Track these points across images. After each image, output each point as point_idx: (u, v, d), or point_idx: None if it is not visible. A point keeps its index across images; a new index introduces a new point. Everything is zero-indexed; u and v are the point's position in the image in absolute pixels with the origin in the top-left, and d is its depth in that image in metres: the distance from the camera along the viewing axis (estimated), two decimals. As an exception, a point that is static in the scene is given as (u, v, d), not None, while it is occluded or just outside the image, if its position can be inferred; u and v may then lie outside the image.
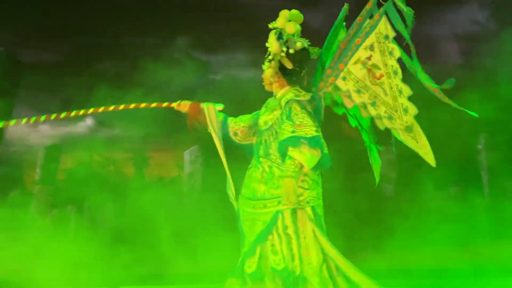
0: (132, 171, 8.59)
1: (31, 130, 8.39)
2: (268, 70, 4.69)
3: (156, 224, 7.80)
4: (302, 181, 4.54)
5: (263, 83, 4.76)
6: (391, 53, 4.68)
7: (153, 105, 4.77)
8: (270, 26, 4.71)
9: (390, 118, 4.68)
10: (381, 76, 4.65)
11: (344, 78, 4.67)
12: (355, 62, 4.68)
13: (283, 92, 4.67)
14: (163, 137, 8.09)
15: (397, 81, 4.66)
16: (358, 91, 4.68)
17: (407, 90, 4.66)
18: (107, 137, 8.42)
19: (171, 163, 8.79)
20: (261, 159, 4.64)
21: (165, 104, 4.77)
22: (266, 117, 4.71)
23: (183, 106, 4.73)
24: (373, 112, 4.68)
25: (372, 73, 4.69)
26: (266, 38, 4.70)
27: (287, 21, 4.69)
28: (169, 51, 8.85)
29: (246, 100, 7.44)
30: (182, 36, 8.89)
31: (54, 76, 8.14)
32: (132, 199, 8.00)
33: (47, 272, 6.89)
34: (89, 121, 8.53)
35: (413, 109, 4.68)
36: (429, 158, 4.72)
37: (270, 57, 4.69)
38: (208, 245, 7.75)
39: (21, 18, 8.27)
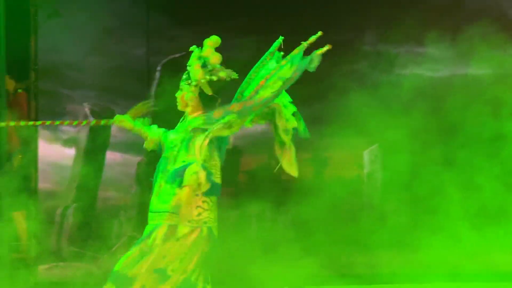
0: (311, 171, 8.57)
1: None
2: (188, 94, 4.74)
3: (333, 223, 7.80)
4: (203, 201, 4.55)
5: (177, 103, 4.78)
6: None
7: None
8: (196, 53, 4.76)
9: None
10: None
11: None
12: None
13: (195, 116, 4.74)
14: (342, 137, 7.99)
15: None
16: None
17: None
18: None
19: (350, 163, 8.70)
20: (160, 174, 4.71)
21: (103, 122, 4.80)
22: (173, 136, 4.77)
23: (123, 123, 4.79)
24: None
25: None
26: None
27: (213, 51, 4.75)
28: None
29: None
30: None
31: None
32: (311, 198, 8.02)
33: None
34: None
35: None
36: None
37: (193, 83, 4.73)
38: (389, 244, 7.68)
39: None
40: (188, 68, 4.85)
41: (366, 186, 8.59)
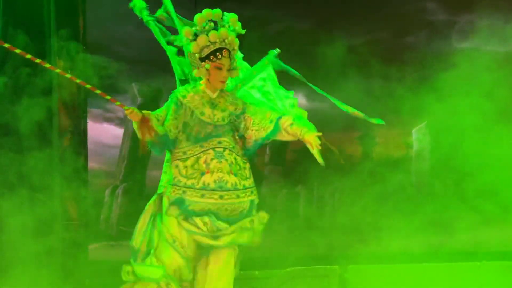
0: (360, 150, 8.51)
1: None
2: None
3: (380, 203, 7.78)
4: None
5: (221, 82, 4.85)
6: None
7: (108, 97, 4.79)
8: (232, 28, 4.87)
9: None
10: None
11: None
12: None
13: (225, 93, 4.94)
14: (391, 115, 7.91)
15: None
16: None
17: None
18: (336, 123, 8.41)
19: (399, 142, 8.62)
20: (211, 151, 4.72)
21: (117, 103, 4.79)
22: (220, 113, 4.83)
23: (134, 115, 4.58)
24: None
25: None
26: None
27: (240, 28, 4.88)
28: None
29: None
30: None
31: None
32: (359, 178, 7.99)
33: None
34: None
35: None
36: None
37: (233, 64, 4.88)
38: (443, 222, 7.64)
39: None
40: (235, 47, 4.84)
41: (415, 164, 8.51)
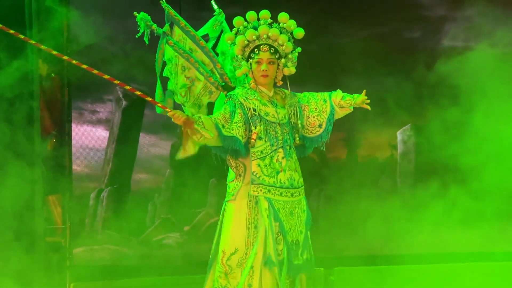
0: (345, 151, 8.52)
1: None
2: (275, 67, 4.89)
3: (367, 205, 7.79)
4: None
5: (265, 78, 4.85)
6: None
7: (149, 99, 4.77)
8: (281, 25, 4.89)
9: None
10: None
11: None
12: None
13: (279, 89, 4.98)
14: (375, 116, 7.93)
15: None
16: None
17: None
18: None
19: (384, 143, 8.63)
20: (280, 149, 4.76)
21: (159, 104, 4.77)
22: (282, 111, 4.87)
23: (177, 118, 4.56)
24: None
25: None
26: None
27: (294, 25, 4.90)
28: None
29: None
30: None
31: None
32: (346, 180, 8.00)
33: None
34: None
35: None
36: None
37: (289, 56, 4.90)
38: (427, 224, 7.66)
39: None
40: (281, 42, 4.83)
41: (400, 166, 8.52)
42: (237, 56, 4.95)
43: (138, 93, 4.80)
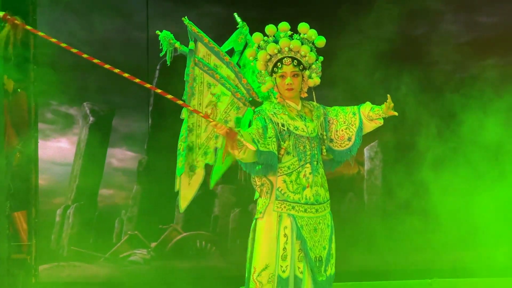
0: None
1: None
2: (299, 79, 4.80)
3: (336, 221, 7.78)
4: None
5: (289, 90, 4.76)
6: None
7: (202, 114, 4.67)
8: (302, 36, 4.78)
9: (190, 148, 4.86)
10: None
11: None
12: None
13: (306, 102, 4.88)
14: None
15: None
16: None
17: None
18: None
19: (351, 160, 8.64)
20: (308, 164, 4.69)
21: (202, 114, 4.65)
22: (311, 124, 4.78)
23: (220, 127, 4.48)
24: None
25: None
26: None
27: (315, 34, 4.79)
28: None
29: None
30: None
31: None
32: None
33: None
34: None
35: (210, 158, 4.88)
36: (183, 202, 4.88)
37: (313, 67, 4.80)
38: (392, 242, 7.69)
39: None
40: (304, 53, 4.76)
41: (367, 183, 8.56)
42: (260, 71, 4.86)
43: (179, 102, 4.68)
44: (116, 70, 4.64)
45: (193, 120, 4.91)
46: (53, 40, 4.67)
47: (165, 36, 4.95)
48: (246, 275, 4.79)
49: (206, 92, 4.93)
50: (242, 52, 5.15)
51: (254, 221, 4.81)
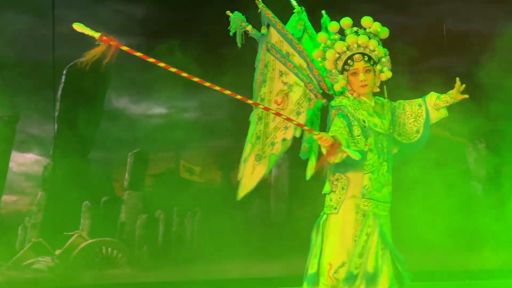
0: (219, 175, 8.56)
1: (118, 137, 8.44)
2: (372, 74, 4.66)
3: (245, 227, 7.83)
4: None
5: (363, 86, 4.62)
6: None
7: (295, 122, 4.51)
8: (368, 30, 4.65)
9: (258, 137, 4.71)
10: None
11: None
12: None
13: (376, 97, 4.72)
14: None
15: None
16: None
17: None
18: (193, 142, 8.43)
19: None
20: (385, 162, 4.63)
21: (306, 128, 4.50)
22: (386, 121, 4.70)
23: (325, 140, 4.30)
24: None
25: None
26: None
27: (380, 27, 4.66)
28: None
29: None
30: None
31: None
32: (219, 203, 8.02)
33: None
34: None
35: (277, 149, 4.69)
36: (242, 191, 4.72)
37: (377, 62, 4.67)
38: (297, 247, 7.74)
39: None
40: (372, 48, 4.63)
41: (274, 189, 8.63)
42: (330, 70, 4.72)
43: (271, 111, 4.51)
44: (207, 84, 4.23)
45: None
46: (162, 64, 4.16)
47: (236, 17, 4.76)
48: (313, 271, 4.63)
49: (277, 79, 4.76)
50: (300, 39, 4.92)
51: (325, 216, 4.64)
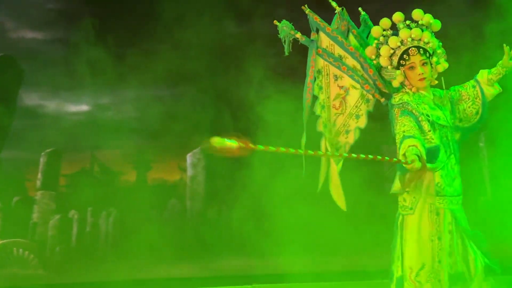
0: (134, 175, 8.52)
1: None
2: (429, 66, 4.61)
3: (158, 228, 7.80)
4: None
5: (421, 79, 4.57)
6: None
7: (387, 158, 4.27)
8: (420, 23, 4.59)
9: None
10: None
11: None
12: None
13: (434, 89, 4.67)
14: (166, 140, 7.99)
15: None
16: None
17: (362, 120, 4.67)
18: (108, 141, 8.35)
19: (174, 166, 8.71)
20: (452, 155, 4.57)
21: (395, 160, 4.30)
22: (447, 112, 4.64)
23: (417, 168, 4.28)
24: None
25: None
26: None
27: (432, 18, 4.61)
28: None
29: None
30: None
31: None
32: (135, 203, 7.98)
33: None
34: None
35: (350, 138, 4.70)
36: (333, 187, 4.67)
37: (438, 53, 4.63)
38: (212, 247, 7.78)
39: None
40: (427, 40, 4.52)
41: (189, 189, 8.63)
42: (385, 67, 4.64)
43: (370, 156, 4.29)
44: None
45: (326, 115, 4.69)
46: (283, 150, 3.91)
47: (284, 26, 4.68)
48: (398, 274, 4.58)
49: (333, 84, 4.71)
50: (347, 40, 4.81)
51: (401, 217, 4.59)
